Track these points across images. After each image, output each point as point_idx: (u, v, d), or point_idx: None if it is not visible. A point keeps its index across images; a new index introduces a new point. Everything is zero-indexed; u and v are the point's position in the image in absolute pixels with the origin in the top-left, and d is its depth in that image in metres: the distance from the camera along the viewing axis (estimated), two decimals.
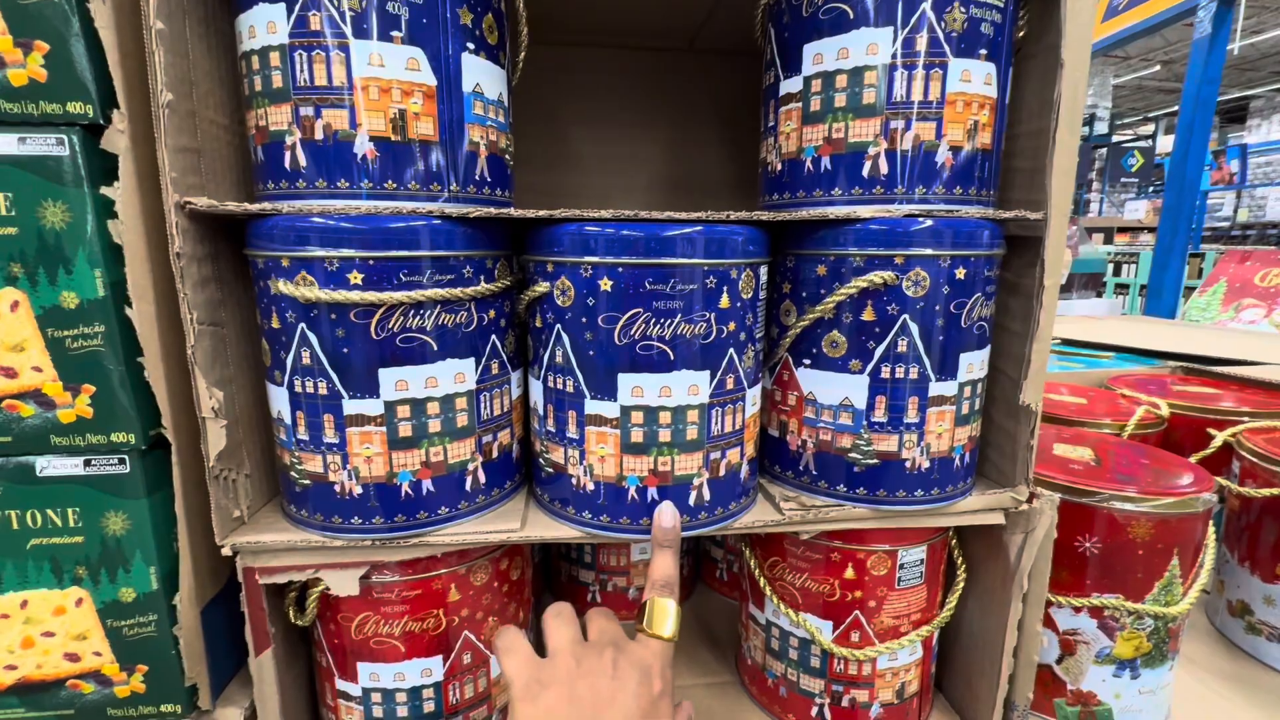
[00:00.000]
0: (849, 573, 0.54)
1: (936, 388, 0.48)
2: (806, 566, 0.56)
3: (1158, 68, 12.25)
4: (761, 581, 0.59)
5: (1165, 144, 12.13)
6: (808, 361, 0.50)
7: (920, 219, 0.46)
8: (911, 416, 0.48)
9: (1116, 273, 5.17)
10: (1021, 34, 0.50)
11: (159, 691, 0.47)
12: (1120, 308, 2.12)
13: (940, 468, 0.50)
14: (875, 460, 0.49)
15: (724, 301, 0.44)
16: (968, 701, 0.60)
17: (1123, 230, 7.77)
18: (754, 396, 0.49)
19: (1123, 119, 15.47)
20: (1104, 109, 11.78)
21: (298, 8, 0.40)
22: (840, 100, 0.47)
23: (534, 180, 0.82)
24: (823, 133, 0.48)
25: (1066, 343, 1.58)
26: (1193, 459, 0.83)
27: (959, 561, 0.59)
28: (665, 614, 0.43)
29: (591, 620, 0.44)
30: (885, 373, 0.48)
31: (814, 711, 0.57)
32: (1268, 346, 1.31)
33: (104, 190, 0.40)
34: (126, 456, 0.43)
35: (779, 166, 0.52)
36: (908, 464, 0.49)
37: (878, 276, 0.46)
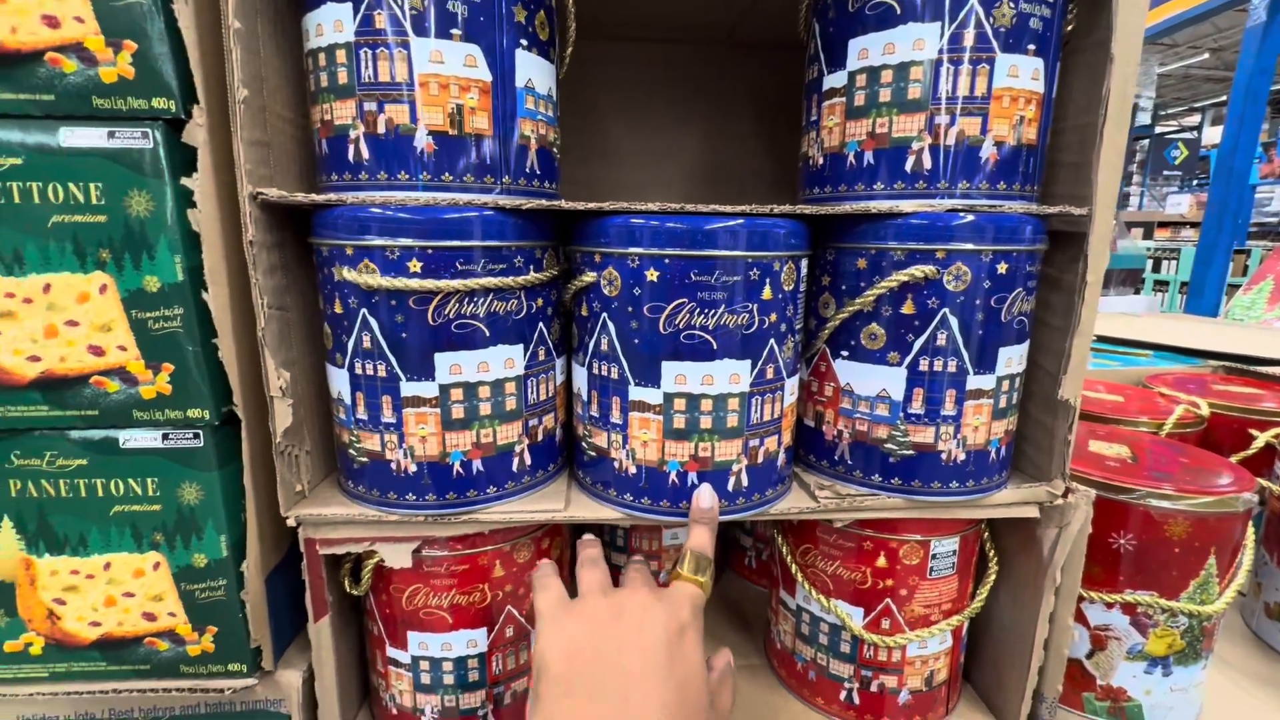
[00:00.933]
0: (881, 561, 0.55)
1: (974, 381, 0.49)
2: (839, 554, 0.57)
3: (1206, 55, 11.75)
4: (793, 568, 0.60)
5: (1211, 135, 11.65)
6: (845, 353, 0.51)
7: (963, 214, 0.46)
8: (948, 409, 0.49)
9: (1156, 269, 5.01)
10: (1070, 28, 0.50)
11: (226, 652, 0.50)
12: (1159, 305, 2.06)
13: (976, 460, 0.50)
14: (911, 451, 0.50)
15: (766, 293, 0.46)
16: (996, 692, 0.61)
17: (1164, 225, 7.52)
18: (792, 386, 0.51)
19: (1167, 109, 14.90)
20: (1147, 99, 11.35)
21: (363, 7, 0.42)
22: (885, 95, 0.47)
23: (574, 172, 0.84)
24: (866, 127, 0.48)
25: (1103, 339, 1.55)
26: (1233, 459, 0.82)
27: (991, 553, 0.60)
28: (699, 562, 0.45)
29: (625, 570, 0.46)
30: (923, 365, 0.48)
31: (843, 696, 0.59)
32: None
33: (184, 181, 0.43)
34: (201, 431, 0.46)
35: (820, 160, 0.53)
36: (943, 456, 0.50)
37: (919, 270, 0.46)
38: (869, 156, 0.49)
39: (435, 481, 0.47)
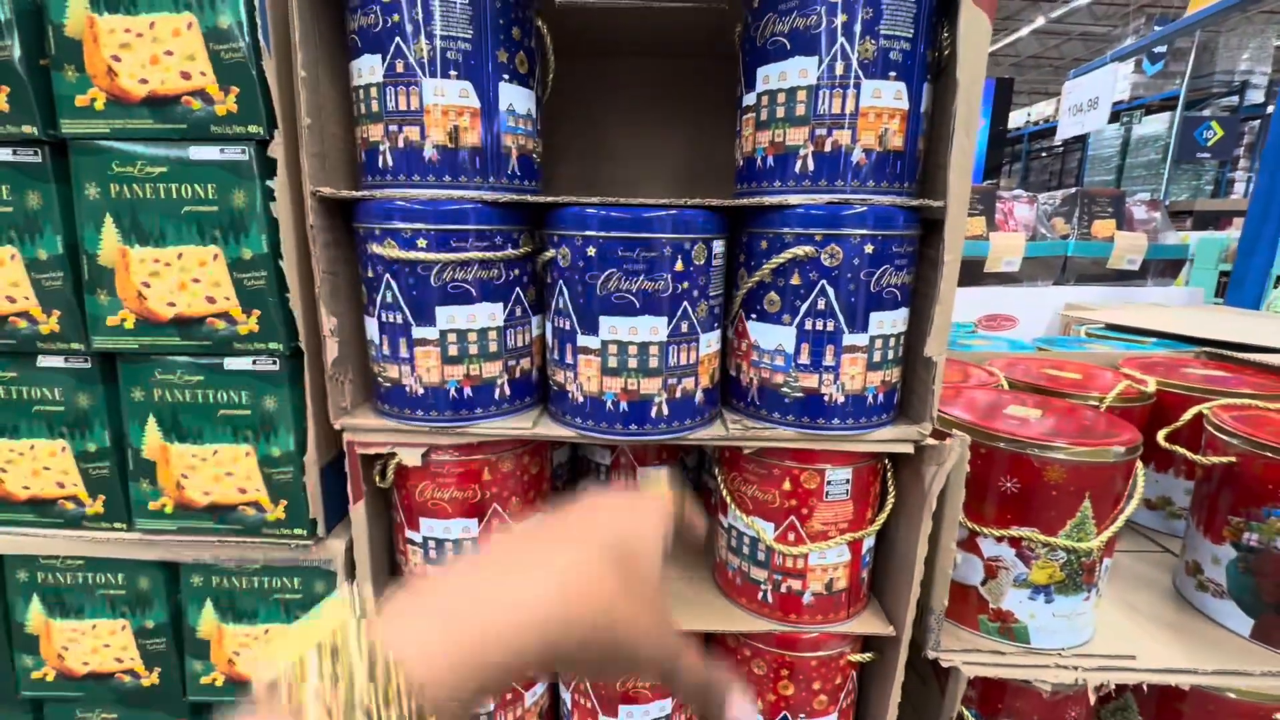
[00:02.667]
0: (786, 485, 0.69)
1: (849, 339, 0.61)
2: (756, 479, 0.71)
3: None
4: (725, 492, 0.74)
5: None
6: (754, 315, 0.65)
7: (837, 206, 0.59)
8: (829, 361, 0.62)
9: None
10: (945, 53, 0.61)
11: (293, 520, 0.70)
12: (1200, 297, 2.02)
13: (854, 404, 0.63)
14: (801, 394, 0.63)
15: (679, 266, 0.60)
16: (893, 605, 0.74)
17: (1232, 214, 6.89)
18: (709, 340, 0.65)
19: None
20: (1261, 76, 10.34)
21: (389, 56, 0.59)
22: (780, 112, 0.60)
23: (575, 170, 1.00)
24: (769, 137, 0.62)
25: (1112, 328, 1.58)
26: (1164, 431, 0.89)
27: (890, 487, 0.72)
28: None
29: None
30: (808, 325, 0.62)
31: (759, 596, 0.73)
32: None
33: (268, 183, 0.61)
34: (277, 359, 0.65)
35: (742, 162, 0.66)
36: (826, 398, 0.63)
37: (801, 250, 0.60)
38: (771, 160, 0.62)
39: (437, 402, 0.64)
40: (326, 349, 0.65)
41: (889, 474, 0.72)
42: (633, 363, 0.62)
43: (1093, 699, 0.73)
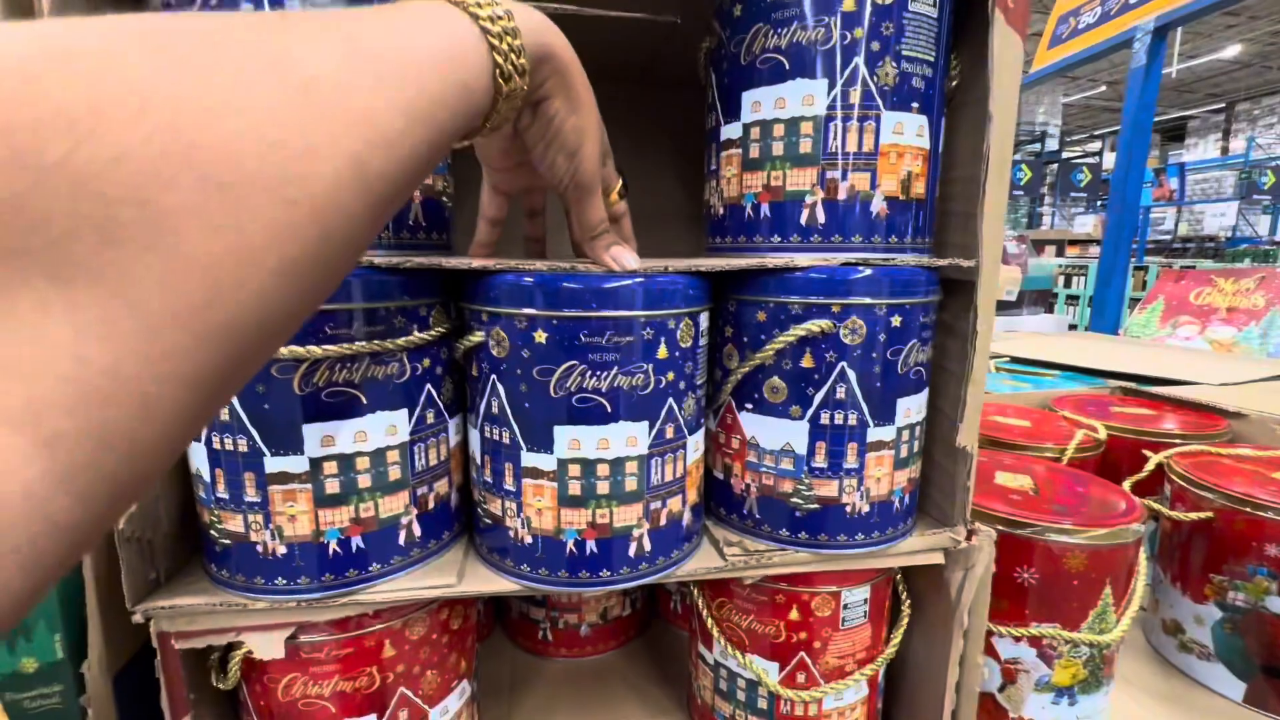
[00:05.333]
0: (794, 614, 0.54)
1: (875, 433, 0.48)
2: (752, 608, 0.55)
3: (1104, 88, 12.86)
4: (709, 622, 0.58)
5: (1111, 160, 12.68)
6: (750, 406, 0.50)
7: (857, 268, 0.46)
8: (851, 462, 0.49)
9: (1067, 284, 5.40)
10: (955, 84, 0.51)
11: None
12: (1066, 323, 2.20)
13: (880, 511, 0.50)
14: (816, 505, 0.49)
15: (662, 352, 0.44)
16: None
17: (1073, 243, 8.10)
18: (695, 442, 0.49)
19: (1072, 136, 16.18)
20: (1054, 126, 12.29)
21: None
22: (778, 149, 0.47)
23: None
24: (762, 180, 0.48)
25: (1016, 360, 1.63)
26: (1127, 482, 0.86)
27: (904, 598, 0.60)
28: None
29: None
30: (825, 419, 0.48)
31: None
32: (1200, 365, 1.38)
33: None
34: None
35: (721, 210, 0.52)
36: (848, 508, 0.49)
37: (815, 325, 0.46)
38: (765, 209, 0.48)
39: (308, 563, 0.43)
40: None
41: (899, 581, 0.60)
42: (603, 487, 0.44)
43: None
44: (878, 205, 0.47)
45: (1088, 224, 8.42)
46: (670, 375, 0.45)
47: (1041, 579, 0.62)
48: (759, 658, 0.55)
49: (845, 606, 0.54)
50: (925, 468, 0.55)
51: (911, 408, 0.50)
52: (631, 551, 0.46)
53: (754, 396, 0.50)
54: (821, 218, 0.47)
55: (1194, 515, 0.77)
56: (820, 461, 0.49)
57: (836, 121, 0.45)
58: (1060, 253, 8.07)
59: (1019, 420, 1.02)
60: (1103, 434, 0.94)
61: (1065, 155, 13.33)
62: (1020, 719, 0.65)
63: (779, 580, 0.54)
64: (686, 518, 0.49)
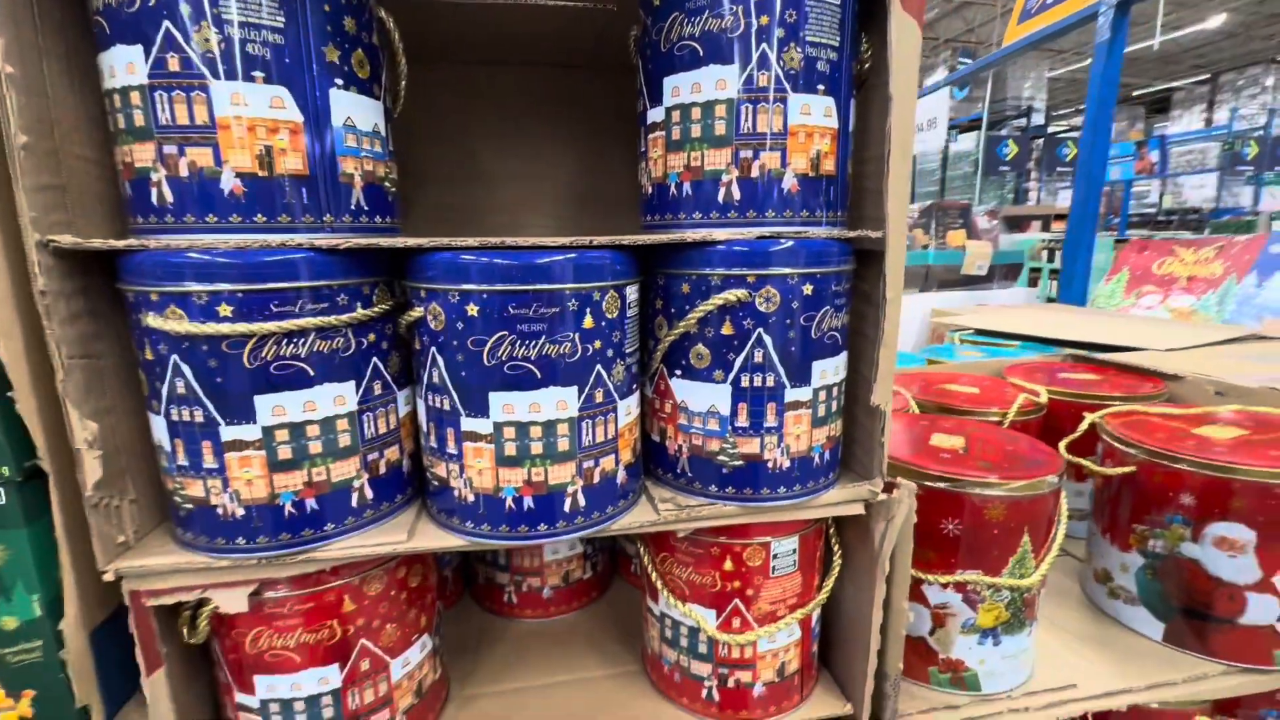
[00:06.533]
0: (728, 564, 0.58)
1: (792, 394, 0.52)
2: (691, 560, 0.60)
3: (1089, 61, 12.82)
4: (654, 576, 0.63)
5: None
6: (679, 372, 0.54)
7: (770, 241, 0.50)
8: (771, 421, 0.53)
9: (1050, 258, 5.46)
10: (866, 67, 0.54)
11: (49, 715, 0.48)
12: (1037, 296, 2.24)
13: (801, 466, 0.54)
14: (741, 462, 0.54)
15: (588, 322, 0.48)
16: (847, 675, 0.66)
17: (1060, 217, 8.15)
18: (628, 406, 0.53)
19: (1059, 110, 16.17)
20: (1040, 101, 12.29)
21: (155, 50, 0.41)
22: (696, 131, 0.50)
23: (447, 199, 0.84)
24: (683, 160, 0.51)
25: (980, 332, 1.68)
26: (1064, 442, 0.91)
27: (835, 547, 0.64)
28: None
29: None
30: (745, 382, 0.52)
31: (704, 694, 0.62)
32: (1152, 331, 1.43)
33: None
34: (2, 489, 0.44)
35: (650, 190, 0.55)
36: (770, 464, 0.53)
37: (733, 295, 0.50)
38: (688, 188, 0.52)
39: (266, 524, 0.47)
40: (83, 466, 0.44)
41: (832, 532, 0.65)
42: (537, 447, 0.48)
43: None
44: (789, 182, 0.50)
45: (1068, 198, 8.44)
46: (597, 344, 0.49)
47: (965, 529, 0.67)
48: (698, 606, 0.60)
49: (775, 556, 0.58)
50: (847, 426, 0.60)
51: (828, 370, 0.54)
52: (566, 507, 0.50)
53: (682, 363, 0.54)
54: (737, 195, 0.50)
55: (1118, 470, 0.82)
56: (743, 421, 0.53)
57: (748, 104, 0.49)
58: (1046, 227, 8.11)
59: (969, 388, 1.06)
60: (1044, 398, 0.99)
61: (1051, 130, 13.33)
62: (950, 659, 0.70)
63: (714, 534, 0.58)
64: (621, 476, 0.53)
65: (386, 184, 0.52)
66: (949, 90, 7.38)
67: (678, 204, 0.53)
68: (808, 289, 0.51)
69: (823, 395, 0.54)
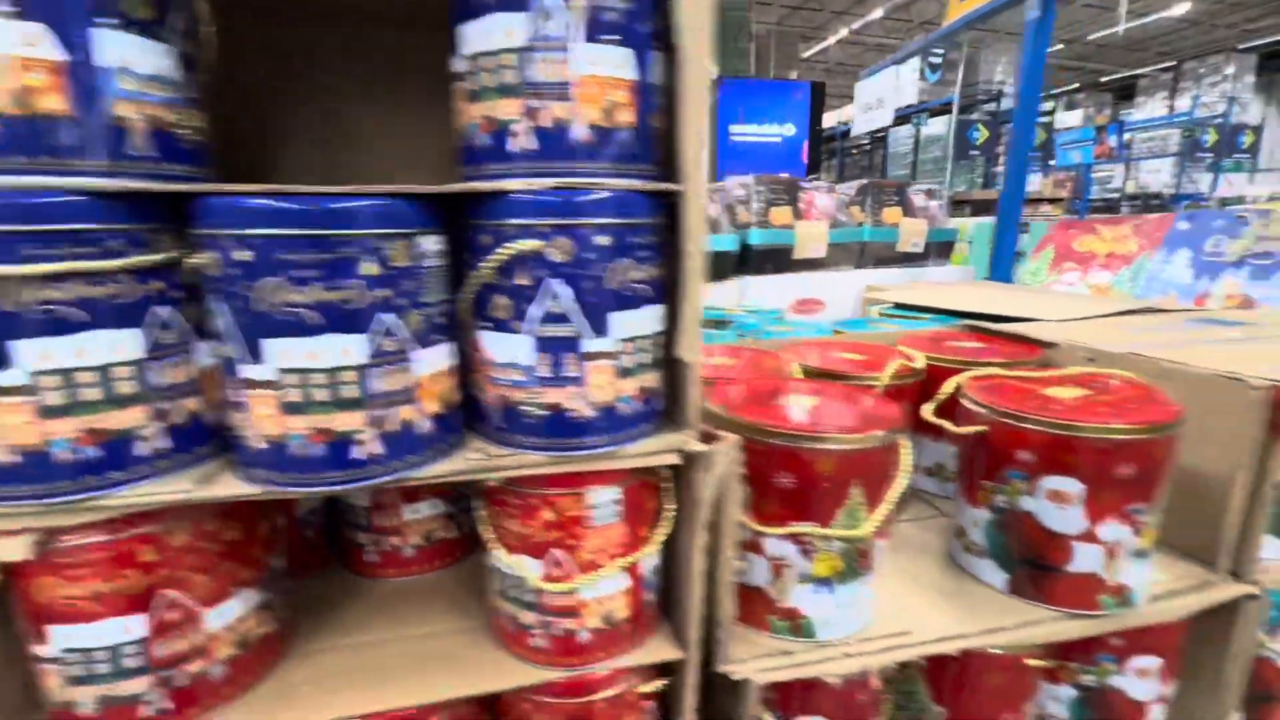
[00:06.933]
0: (548, 515, 0.60)
1: (592, 345, 0.53)
2: (516, 512, 0.61)
3: (1060, 46, 12.96)
4: (488, 529, 0.64)
5: (1064, 119, 12.90)
6: (486, 323, 0.55)
7: (563, 191, 0.51)
8: (571, 371, 0.54)
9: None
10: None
11: None
12: (969, 273, 2.30)
13: (607, 417, 0.56)
14: (545, 412, 0.55)
15: (372, 269, 0.48)
16: (681, 623, 0.68)
17: (1031, 201, 8.27)
18: (431, 357, 0.54)
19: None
20: (1011, 86, 12.39)
21: None
22: (490, 81, 0.50)
23: (312, 157, 0.83)
24: (481, 111, 0.52)
25: (899, 306, 1.71)
26: (930, 404, 0.94)
27: (669, 498, 0.66)
28: None
29: None
30: (543, 332, 0.53)
31: (533, 643, 0.63)
32: (1054, 305, 1.47)
33: None
34: None
35: (459, 141, 0.55)
36: (573, 414, 0.55)
37: (524, 244, 0.50)
38: (487, 138, 0.52)
39: (42, 471, 0.47)
40: None
41: (668, 485, 0.66)
42: (321, 395, 0.48)
43: (877, 683, 0.73)
44: (582, 133, 0.51)
45: (1033, 183, 8.59)
46: (386, 292, 0.49)
47: (797, 483, 0.69)
48: (524, 556, 0.61)
49: (594, 506, 0.60)
50: (669, 379, 0.61)
51: (633, 322, 0.55)
52: (357, 454, 0.51)
53: (487, 314, 0.54)
54: (531, 145, 0.51)
55: (969, 429, 0.85)
56: (544, 372, 0.54)
57: (536, 54, 0.49)
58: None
59: (857, 355, 1.09)
60: (921, 363, 1.02)
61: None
62: (787, 608, 0.73)
63: (534, 485, 0.59)
64: (427, 426, 0.54)
65: (180, 131, 0.52)
66: (920, 71, 7.42)
67: (481, 155, 0.53)
68: (602, 240, 0.51)
69: (628, 347, 0.55)
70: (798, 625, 0.73)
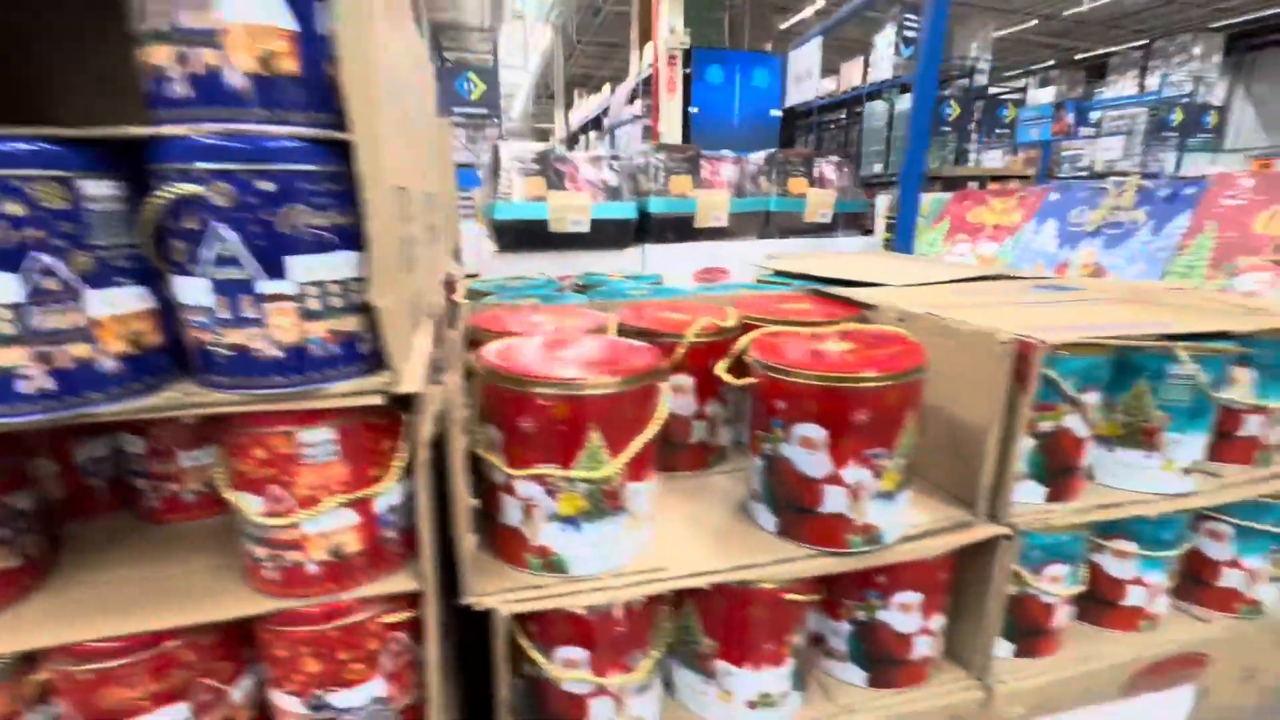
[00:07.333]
0: (260, 453, 0.63)
1: (269, 287, 0.56)
2: (237, 451, 0.64)
3: (1035, 21, 12.92)
4: (219, 470, 0.67)
5: (1036, 97, 12.93)
6: (171, 267, 0.57)
7: (221, 137, 0.52)
8: (250, 313, 0.56)
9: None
10: None
11: None
12: (877, 246, 2.34)
13: (296, 357, 0.58)
14: (231, 352, 0.57)
15: (16, 209, 0.50)
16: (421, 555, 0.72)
17: (998, 178, 8.33)
18: (115, 297, 0.55)
19: (1010, 71, 16.32)
20: (985, 60, 12.36)
21: None
22: (145, 25, 0.52)
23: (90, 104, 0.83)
24: (148, 56, 0.53)
25: (779, 274, 1.75)
26: (724, 360, 0.98)
27: (403, 440, 0.69)
28: None
29: None
30: (218, 275, 0.55)
31: (265, 575, 0.67)
32: (910, 269, 1.51)
33: None
34: None
35: (141, 84, 0.57)
36: (256, 354, 0.57)
37: (183, 188, 0.52)
38: (151, 84, 0.54)
39: None
40: None
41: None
42: None
43: (620, 613, 0.77)
44: (237, 80, 0.52)
45: (996, 159, 8.65)
46: (38, 232, 0.51)
47: (537, 426, 0.73)
48: (246, 493, 0.64)
49: (307, 444, 0.63)
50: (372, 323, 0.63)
51: (315, 266, 0.57)
52: (24, 389, 0.53)
53: (170, 258, 0.56)
54: (188, 91, 0.52)
55: (745, 381, 0.89)
56: (224, 313, 0.56)
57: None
58: (983, 187, 8.29)
59: (680, 315, 1.12)
60: (731, 321, 1.05)
61: (993, 91, 13.47)
62: (539, 545, 0.77)
63: (248, 423, 0.62)
64: (110, 365, 0.56)
65: None
66: (895, 45, 7.36)
67: (152, 100, 0.54)
68: (265, 185, 0.54)
69: (314, 290, 0.58)
70: (550, 562, 0.77)
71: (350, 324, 0.61)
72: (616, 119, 6.28)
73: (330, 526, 0.66)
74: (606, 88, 7.85)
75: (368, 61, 0.54)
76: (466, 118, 6.11)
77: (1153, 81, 13.37)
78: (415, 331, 0.73)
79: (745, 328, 1.08)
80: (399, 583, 0.70)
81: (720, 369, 0.96)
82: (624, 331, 1.04)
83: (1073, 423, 0.92)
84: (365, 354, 0.63)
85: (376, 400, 0.63)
